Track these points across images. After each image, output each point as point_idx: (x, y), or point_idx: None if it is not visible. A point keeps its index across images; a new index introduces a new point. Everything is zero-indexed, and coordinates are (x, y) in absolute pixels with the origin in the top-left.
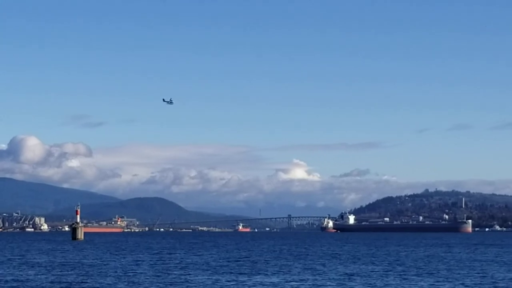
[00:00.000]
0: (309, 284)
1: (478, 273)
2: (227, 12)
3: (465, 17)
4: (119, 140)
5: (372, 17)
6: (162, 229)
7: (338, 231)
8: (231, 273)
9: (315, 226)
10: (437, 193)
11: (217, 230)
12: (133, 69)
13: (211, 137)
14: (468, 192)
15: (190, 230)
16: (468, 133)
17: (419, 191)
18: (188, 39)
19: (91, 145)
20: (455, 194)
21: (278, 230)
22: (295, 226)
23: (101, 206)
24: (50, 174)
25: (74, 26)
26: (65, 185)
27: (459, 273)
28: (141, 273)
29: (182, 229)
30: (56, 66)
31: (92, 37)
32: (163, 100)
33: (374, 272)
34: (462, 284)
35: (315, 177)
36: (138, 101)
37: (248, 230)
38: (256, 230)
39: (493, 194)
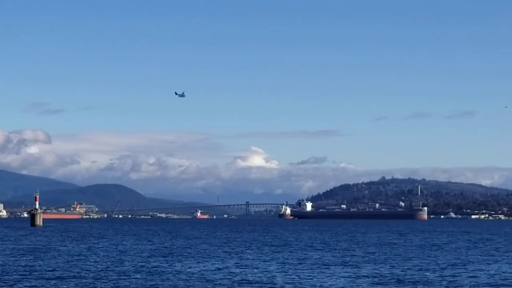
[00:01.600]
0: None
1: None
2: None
3: (417, 5)
4: (78, 127)
5: (326, 5)
6: (121, 216)
7: (296, 218)
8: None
9: (272, 213)
10: (394, 180)
11: (175, 216)
12: (92, 57)
13: (170, 124)
14: (424, 179)
15: (149, 217)
16: (425, 121)
17: (376, 178)
18: (143, 26)
19: (50, 132)
20: (411, 181)
21: (235, 217)
22: (253, 213)
23: (60, 193)
24: (9, 160)
25: (32, 13)
26: (24, 172)
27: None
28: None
29: (141, 215)
30: (15, 54)
31: (51, 25)
32: (175, 93)
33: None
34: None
35: (273, 164)
36: (97, 89)
37: (206, 217)
38: (214, 217)
39: (449, 182)
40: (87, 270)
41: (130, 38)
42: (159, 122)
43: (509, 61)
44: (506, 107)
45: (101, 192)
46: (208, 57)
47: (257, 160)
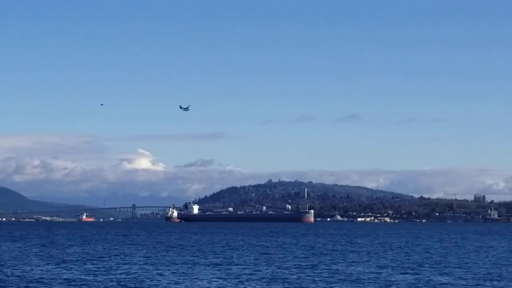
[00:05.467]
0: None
1: None
2: None
3: (303, 5)
4: None
5: (223, 5)
6: (4, 219)
7: (183, 221)
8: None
9: (159, 216)
10: (280, 183)
11: (60, 219)
12: None
13: (55, 126)
14: (310, 182)
15: (33, 220)
16: (312, 124)
17: (263, 181)
18: (37, 30)
19: None
20: (298, 184)
21: (121, 220)
22: (139, 215)
23: None
24: None
25: None
26: None
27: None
28: None
29: (25, 218)
30: None
31: None
32: (180, 107)
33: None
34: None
35: (160, 167)
36: None
37: (92, 219)
38: (101, 220)
39: (335, 185)
40: None
41: (20, 39)
42: (44, 124)
43: (396, 63)
44: None
45: None
46: (94, 59)
47: (143, 163)
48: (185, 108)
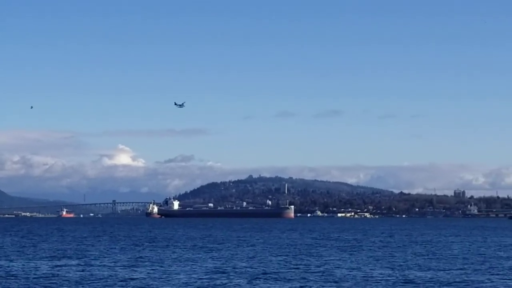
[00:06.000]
0: None
1: None
2: None
3: (290, 3)
4: None
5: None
6: None
7: (163, 217)
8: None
9: (139, 211)
10: (261, 179)
11: (40, 215)
12: None
13: (35, 122)
14: (290, 178)
15: (13, 216)
16: (292, 120)
17: (243, 177)
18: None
19: None
20: (278, 180)
21: (102, 216)
22: (119, 211)
23: None
24: None
25: None
26: None
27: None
28: None
29: (5, 214)
30: None
31: None
32: (175, 103)
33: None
34: None
35: (140, 162)
36: None
37: (72, 215)
38: (81, 216)
39: (315, 180)
40: None
41: None
42: (24, 120)
43: (376, 59)
44: None
45: None
46: (74, 54)
47: (123, 159)
48: (180, 105)
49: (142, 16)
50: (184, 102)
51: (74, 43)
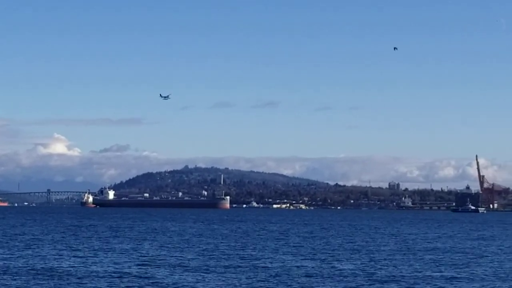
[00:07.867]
0: None
1: None
2: None
3: None
4: None
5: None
6: None
7: (98, 206)
8: None
9: (74, 201)
10: (197, 169)
11: None
12: None
13: None
14: (226, 169)
15: None
16: (229, 111)
17: (179, 167)
18: None
19: None
20: (214, 170)
21: (36, 205)
22: (54, 201)
23: None
24: None
25: None
26: None
27: None
28: None
29: None
30: None
31: None
32: (160, 95)
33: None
34: None
35: (75, 152)
36: None
37: (6, 204)
38: (16, 205)
39: (251, 171)
40: None
41: None
42: None
43: (313, 50)
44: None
45: None
46: (10, 42)
47: (59, 147)
48: (165, 97)
49: (79, 4)
50: (170, 94)
51: (7, 31)
